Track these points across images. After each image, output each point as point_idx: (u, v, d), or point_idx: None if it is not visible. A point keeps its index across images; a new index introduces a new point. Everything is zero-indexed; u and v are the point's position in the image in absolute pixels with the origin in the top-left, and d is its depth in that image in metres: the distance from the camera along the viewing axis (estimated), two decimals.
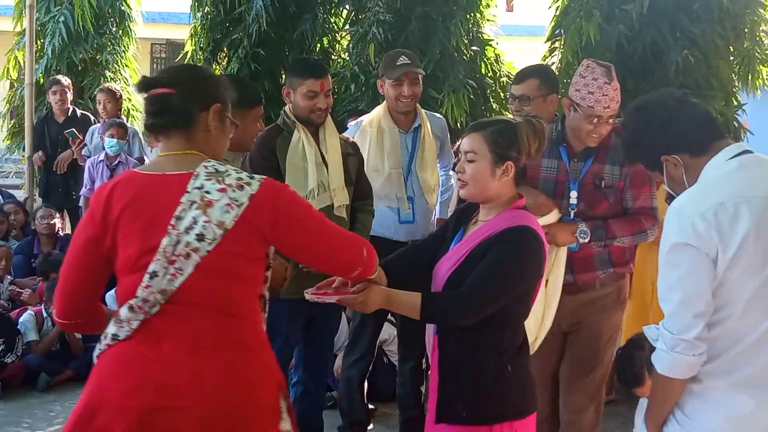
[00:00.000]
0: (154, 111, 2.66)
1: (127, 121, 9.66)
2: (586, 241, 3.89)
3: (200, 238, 2.51)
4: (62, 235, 8.01)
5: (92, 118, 8.68)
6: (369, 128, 4.99)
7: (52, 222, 7.65)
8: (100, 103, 8.31)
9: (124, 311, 2.55)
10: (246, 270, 2.61)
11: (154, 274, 2.51)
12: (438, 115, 5.65)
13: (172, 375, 2.49)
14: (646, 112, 2.87)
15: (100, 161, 7.87)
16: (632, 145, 2.97)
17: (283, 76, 9.25)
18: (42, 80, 9.69)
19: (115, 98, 8.40)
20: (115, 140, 7.78)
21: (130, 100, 10.67)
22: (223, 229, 2.52)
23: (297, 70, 4.54)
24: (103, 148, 7.89)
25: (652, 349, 3.78)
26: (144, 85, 2.71)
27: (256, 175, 2.66)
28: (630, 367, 3.85)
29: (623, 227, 3.96)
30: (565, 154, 3.99)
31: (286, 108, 4.53)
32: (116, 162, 7.88)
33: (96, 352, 2.64)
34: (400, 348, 5.21)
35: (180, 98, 2.65)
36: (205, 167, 2.60)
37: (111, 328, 2.58)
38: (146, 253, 2.52)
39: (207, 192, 2.54)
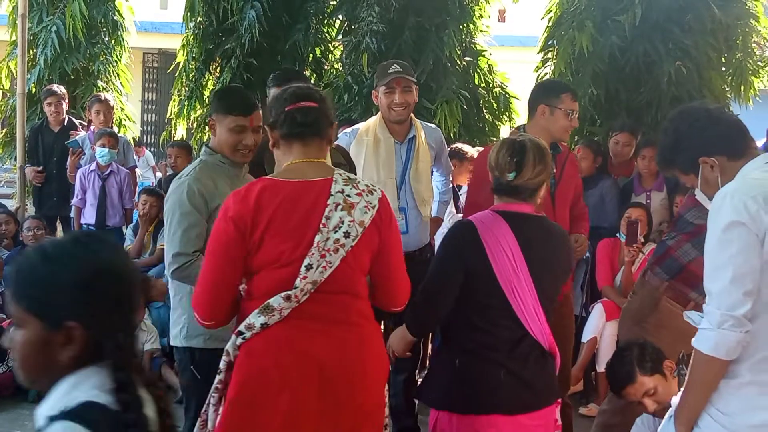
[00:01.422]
0: (306, 121, 3.05)
1: (119, 131, 9.65)
2: None
3: (346, 235, 2.95)
4: None
5: (84, 124, 8.62)
6: (365, 137, 4.98)
7: (39, 233, 7.59)
8: (99, 113, 8.27)
9: (277, 301, 2.91)
10: (368, 261, 3.06)
11: (309, 267, 2.91)
12: (433, 125, 5.65)
13: (325, 347, 2.94)
14: (688, 116, 2.98)
15: (92, 171, 7.82)
16: (671, 148, 3.04)
17: None
18: (34, 90, 9.67)
19: (110, 108, 8.37)
20: (106, 150, 7.74)
21: (122, 109, 10.67)
22: (363, 227, 2.98)
23: (268, 80, 4.67)
24: (95, 158, 7.85)
25: (641, 350, 3.81)
26: (296, 96, 3.08)
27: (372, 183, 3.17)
28: (621, 365, 3.87)
29: None
30: None
31: None
32: (107, 171, 7.84)
33: (238, 342, 2.96)
34: (393, 359, 5.19)
35: (323, 113, 3.10)
36: (340, 174, 3.07)
37: (258, 318, 2.92)
38: (301, 248, 2.92)
39: (348, 195, 2.99)
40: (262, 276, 2.98)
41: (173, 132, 9.86)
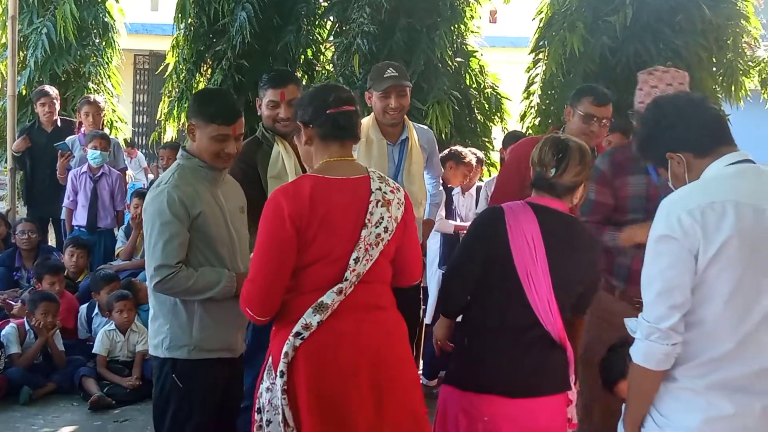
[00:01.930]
0: (347, 125, 3.25)
1: (110, 133, 9.63)
2: None
3: (386, 230, 3.18)
4: (44, 246, 7.96)
5: (75, 124, 8.58)
6: None
7: (33, 236, 7.59)
8: (88, 114, 8.24)
9: (330, 297, 3.09)
10: (394, 250, 3.28)
11: (356, 260, 3.11)
12: (425, 126, 5.65)
13: (374, 334, 3.18)
14: (659, 109, 2.96)
15: (83, 173, 7.81)
16: (644, 140, 3.04)
17: None
18: (25, 92, 9.64)
19: (100, 110, 8.35)
20: (98, 152, 7.73)
21: (113, 111, 10.65)
22: (396, 222, 3.23)
23: (261, 81, 4.57)
24: (86, 160, 7.84)
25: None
26: (340, 100, 3.24)
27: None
28: (615, 362, 3.89)
29: None
30: (653, 169, 3.87)
31: (264, 122, 4.53)
32: (99, 173, 7.84)
33: (297, 343, 3.09)
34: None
35: (358, 116, 3.33)
36: (373, 171, 3.30)
37: (315, 317, 3.08)
38: (350, 243, 3.12)
39: (385, 193, 3.22)
40: (312, 270, 3.13)
41: (163, 133, 9.85)
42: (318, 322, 3.09)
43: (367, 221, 3.14)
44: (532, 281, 3.29)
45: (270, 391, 3.19)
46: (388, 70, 4.88)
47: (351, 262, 3.11)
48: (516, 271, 3.29)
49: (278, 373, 3.11)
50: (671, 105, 2.94)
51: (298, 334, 3.09)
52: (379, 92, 4.87)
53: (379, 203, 3.18)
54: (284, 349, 3.09)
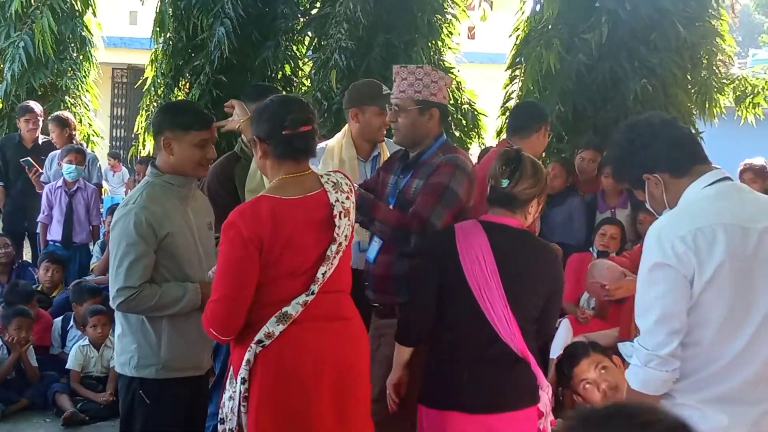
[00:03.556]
0: (303, 147, 3.25)
1: (87, 147, 9.58)
2: None
3: (346, 237, 3.24)
4: (19, 262, 7.91)
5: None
6: (330, 161, 4.89)
7: (8, 250, 7.54)
8: (53, 131, 8.24)
9: (293, 307, 3.12)
10: (350, 253, 3.36)
11: (324, 274, 3.16)
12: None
13: (334, 344, 3.20)
14: (632, 131, 2.96)
15: (59, 187, 7.77)
16: (618, 162, 3.06)
17: None
18: (1, 105, 9.59)
19: (64, 125, 8.29)
20: (73, 166, 7.69)
21: (90, 125, 10.61)
22: (352, 228, 3.31)
23: (243, 95, 4.56)
24: (62, 174, 7.80)
25: (594, 342, 3.89)
26: (296, 122, 3.21)
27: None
28: (576, 346, 3.96)
29: (389, 216, 3.81)
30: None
31: (243, 136, 4.50)
32: (74, 188, 7.80)
33: (258, 350, 3.11)
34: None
35: (316, 132, 3.31)
36: (326, 182, 3.28)
37: (277, 327, 3.11)
38: (317, 257, 3.16)
39: (342, 203, 3.24)
40: (275, 285, 3.15)
41: (141, 148, 9.83)
42: (280, 331, 3.11)
43: (335, 235, 3.18)
44: (487, 299, 3.31)
45: (232, 400, 3.19)
46: (384, 87, 4.80)
47: (319, 276, 3.15)
48: (471, 290, 3.31)
49: (239, 380, 3.13)
50: (644, 126, 2.94)
51: (259, 341, 3.11)
52: (379, 107, 4.71)
53: (341, 214, 3.22)
54: (246, 357, 3.11)
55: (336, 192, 3.26)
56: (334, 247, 3.18)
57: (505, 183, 3.37)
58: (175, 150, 3.68)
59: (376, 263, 3.99)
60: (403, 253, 3.86)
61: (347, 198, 3.28)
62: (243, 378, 3.12)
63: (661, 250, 2.69)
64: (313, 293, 3.14)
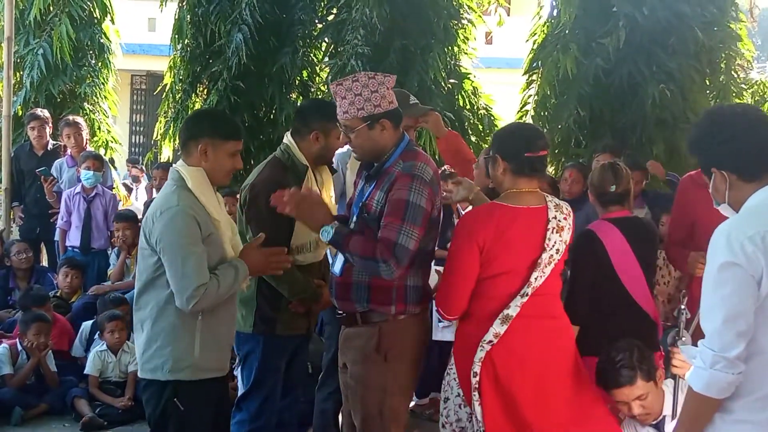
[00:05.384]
0: (542, 166, 3.86)
1: (105, 153, 9.63)
2: (327, 240, 3.72)
3: (557, 251, 3.73)
4: (38, 267, 7.95)
5: (61, 148, 8.57)
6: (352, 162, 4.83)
7: (29, 255, 7.59)
8: (69, 136, 8.25)
9: (513, 309, 3.68)
10: (562, 265, 3.84)
11: (536, 279, 3.68)
12: None
13: (545, 339, 3.75)
14: (715, 125, 2.90)
15: (77, 193, 7.81)
16: (693, 147, 3.00)
17: (263, 109, 9.27)
18: (21, 112, 9.65)
19: (80, 130, 8.31)
20: (91, 172, 7.73)
21: (109, 131, 10.66)
22: (565, 244, 3.78)
23: (322, 112, 4.40)
24: (79, 180, 7.84)
25: (641, 354, 3.84)
26: (540, 147, 3.78)
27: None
28: (621, 366, 3.88)
29: (357, 245, 3.65)
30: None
31: (293, 148, 4.37)
32: (93, 194, 7.83)
33: (487, 349, 3.68)
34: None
35: (547, 157, 4.03)
36: (550, 201, 3.79)
37: (500, 328, 3.67)
38: (530, 261, 3.69)
39: (559, 221, 3.74)
40: (494, 282, 3.70)
41: (159, 154, 9.87)
42: (504, 331, 3.66)
43: (546, 245, 3.68)
44: (632, 282, 4.35)
45: (459, 396, 3.81)
46: (411, 97, 4.74)
47: (531, 279, 3.67)
48: (620, 279, 4.35)
49: (472, 374, 3.68)
50: (729, 123, 2.87)
51: (489, 342, 3.67)
52: (412, 118, 4.66)
53: (554, 230, 3.71)
54: (477, 354, 3.68)
55: (556, 210, 3.76)
56: (545, 257, 3.68)
57: (613, 188, 4.50)
58: (210, 157, 3.72)
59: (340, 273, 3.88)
60: None
61: (565, 218, 3.77)
62: (474, 372, 3.67)
63: (730, 249, 2.65)
64: (526, 295, 3.67)
